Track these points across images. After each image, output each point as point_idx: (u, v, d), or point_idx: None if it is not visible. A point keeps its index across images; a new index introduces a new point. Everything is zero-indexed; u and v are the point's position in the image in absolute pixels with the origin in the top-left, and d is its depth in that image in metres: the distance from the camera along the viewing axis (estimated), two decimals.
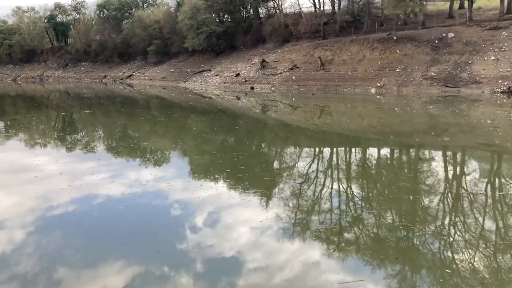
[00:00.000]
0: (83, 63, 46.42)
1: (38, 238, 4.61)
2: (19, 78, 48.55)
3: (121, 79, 39.69)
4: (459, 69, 19.92)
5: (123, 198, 5.99)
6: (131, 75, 39.65)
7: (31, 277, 3.80)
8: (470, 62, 19.87)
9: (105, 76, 41.89)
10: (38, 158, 8.50)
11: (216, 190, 6.18)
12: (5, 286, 3.67)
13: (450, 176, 7.23)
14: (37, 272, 3.89)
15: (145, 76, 37.95)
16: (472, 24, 22.22)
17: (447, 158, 8.65)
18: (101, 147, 10.48)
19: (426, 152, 9.06)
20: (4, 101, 19.10)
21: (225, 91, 25.69)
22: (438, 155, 8.86)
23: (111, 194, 6.18)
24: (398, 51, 22.66)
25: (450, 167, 7.85)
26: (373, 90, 21.62)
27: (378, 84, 21.84)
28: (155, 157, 9.31)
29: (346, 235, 4.82)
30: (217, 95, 24.15)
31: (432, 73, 20.62)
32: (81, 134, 12.67)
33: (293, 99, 21.31)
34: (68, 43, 49.22)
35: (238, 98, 22.46)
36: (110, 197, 6.07)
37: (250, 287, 3.69)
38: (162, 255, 4.22)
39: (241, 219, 5.03)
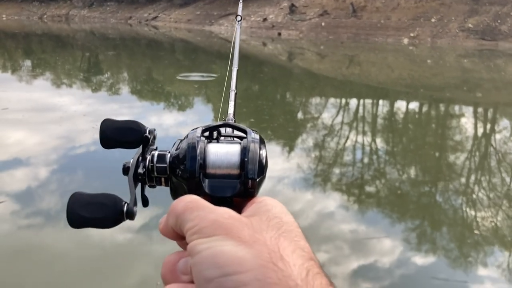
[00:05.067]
0: (108, 3, 45.93)
1: (61, 177, 4.72)
2: (45, 16, 48.58)
3: (146, 20, 39.29)
4: (499, 21, 18.84)
5: None
6: (156, 16, 39.14)
7: (54, 213, 3.91)
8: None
9: (130, 17, 41.49)
10: (63, 99, 8.60)
11: None
12: (30, 220, 3.79)
13: (479, 133, 7.01)
14: (59, 209, 3.99)
15: (170, 18, 37.42)
16: None
17: (477, 115, 8.36)
18: (125, 90, 10.52)
19: (456, 107, 8.78)
20: (31, 40, 19.24)
21: (251, 36, 25.18)
22: (468, 111, 8.57)
23: None
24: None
25: (480, 124, 7.61)
26: (405, 41, 20.80)
27: (412, 35, 20.94)
28: (178, 102, 9.30)
29: (367, 188, 4.78)
30: (243, 40, 23.70)
31: (470, 25, 19.57)
32: (106, 75, 12.72)
33: (321, 47, 20.74)
34: None
35: (264, 45, 22.01)
36: None
37: None
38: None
39: None
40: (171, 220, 0.46)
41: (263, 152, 0.56)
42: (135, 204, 0.56)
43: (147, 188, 0.61)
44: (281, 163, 5.19)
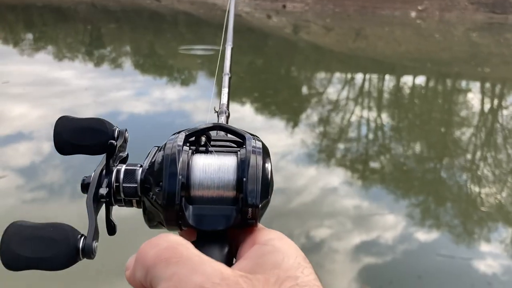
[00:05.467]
0: None
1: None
2: None
3: None
4: None
5: (146, 116, 6.00)
6: None
7: (57, 188, 3.91)
8: None
9: None
10: (65, 72, 8.54)
11: (242, 113, 6.09)
12: (34, 194, 3.80)
13: (486, 109, 6.91)
14: (63, 183, 3.99)
15: None
16: None
17: (485, 90, 8.24)
18: (127, 64, 10.43)
19: (464, 82, 8.65)
20: (31, 12, 19.00)
21: (255, 9, 24.75)
22: (476, 86, 8.44)
23: (135, 112, 6.20)
24: None
25: (487, 100, 7.51)
26: (413, 14, 20.38)
27: (419, 8, 20.51)
28: (181, 76, 9.22)
29: (371, 164, 4.75)
30: (247, 12, 23.31)
31: None
32: (108, 49, 12.59)
33: (327, 20, 20.39)
34: None
35: (269, 17, 21.63)
36: (134, 115, 6.09)
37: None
38: None
39: (265, 143, 4.97)
40: (139, 272, 0.34)
41: (267, 167, 0.44)
42: (95, 237, 0.44)
43: (116, 208, 0.49)
44: (285, 138, 5.14)
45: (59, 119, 0.53)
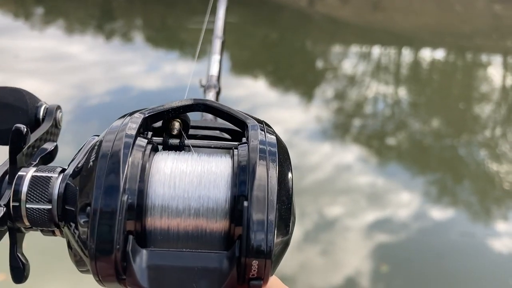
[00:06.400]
0: None
1: (75, 127, 4.69)
2: None
3: None
4: None
5: (158, 92, 5.96)
6: None
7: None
8: None
9: None
10: (75, 47, 8.50)
11: (255, 88, 5.98)
12: None
13: (507, 84, 6.70)
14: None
15: None
16: None
17: (507, 65, 7.98)
18: (138, 38, 10.35)
19: (484, 56, 8.39)
20: None
21: None
22: (497, 60, 8.18)
23: (146, 87, 6.15)
24: None
25: (508, 75, 7.28)
26: None
27: None
28: (193, 51, 9.09)
29: (387, 140, 4.65)
30: None
31: None
32: (118, 23, 12.48)
33: None
34: None
35: None
36: (145, 90, 6.05)
37: None
38: None
39: (278, 119, 4.89)
40: None
41: (287, 179, 0.29)
42: None
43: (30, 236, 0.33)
44: (299, 114, 5.04)
45: None
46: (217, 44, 0.60)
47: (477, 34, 10.48)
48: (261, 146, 0.27)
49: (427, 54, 8.70)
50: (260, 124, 0.31)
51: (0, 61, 7.14)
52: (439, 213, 3.39)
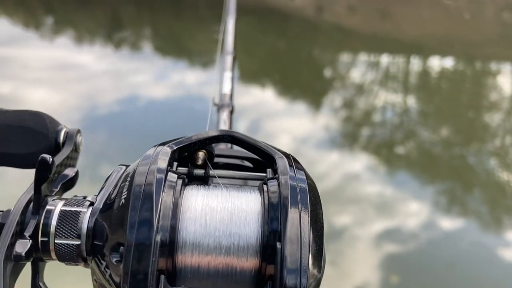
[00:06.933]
0: None
1: (83, 136, 4.70)
2: None
3: None
4: None
5: (166, 101, 5.98)
6: None
7: None
8: None
9: None
10: (84, 56, 8.59)
11: (262, 97, 5.99)
12: None
13: None
14: (82, 168, 3.96)
15: None
16: None
17: None
18: (146, 47, 10.43)
19: (494, 65, 8.34)
20: None
21: None
22: (506, 69, 8.13)
23: (154, 97, 6.18)
24: None
25: None
26: None
27: None
28: (201, 60, 9.14)
29: (396, 149, 4.62)
30: None
31: None
32: (127, 33, 12.60)
33: (351, 1, 19.95)
34: None
35: None
36: (153, 100, 6.08)
37: None
38: None
39: (286, 127, 4.88)
40: None
41: (319, 219, 0.28)
42: None
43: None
44: (307, 122, 5.03)
45: None
46: (228, 60, 0.57)
47: (486, 43, 10.43)
48: (292, 183, 0.26)
49: (435, 63, 8.68)
50: (288, 159, 0.29)
51: (10, 71, 7.22)
52: (449, 223, 3.35)
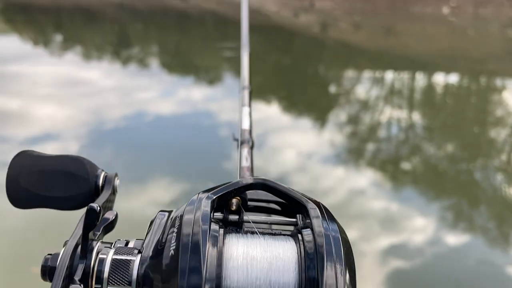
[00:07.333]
0: None
1: (91, 151, 4.75)
2: None
3: None
4: None
5: (172, 117, 6.03)
6: None
7: None
8: None
9: None
10: (92, 73, 8.70)
11: (268, 113, 6.03)
12: None
13: None
14: None
15: None
16: None
17: None
18: (153, 64, 10.55)
19: (499, 80, 8.34)
20: (61, 14, 19.53)
21: (282, 7, 24.65)
22: (511, 85, 8.12)
23: (161, 112, 6.23)
24: None
25: None
26: (445, 10, 19.87)
27: (452, 4, 19.97)
28: (207, 76, 9.23)
29: (402, 165, 4.61)
30: (274, 12, 23.25)
31: None
32: (135, 49, 12.76)
33: (356, 18, 20.10)
34: None
35: (296, 16, 21.51)
36: (160, 116, 6.12)
37: None
38: (207, 174, 4.24)
39: (291, 143, 4.90)
40: None
41: (352, 264, 0.30)
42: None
43: None
44: (312, 138, 5.05)
45: (17, 155, 0.38)
46: (245, 95, 0.58)
47: (491, 59, 10.45)
48: (325, 233, 0.29)
49: (440, 78, 8.70)
50: (319, 208, 0.31)
51: (20, 87, 7.32)
52: (456, 239, 3.33)
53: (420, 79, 8.78)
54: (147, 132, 5.54)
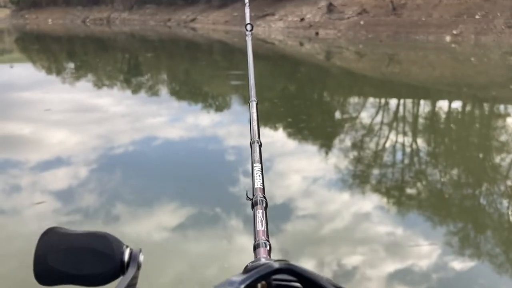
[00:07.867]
0: (147, 5, 46.89)
1: (99, 176, 4.82)
2: (87, 20, 50.11)
3: (185, 22, 39.85)
4: None
5: (181, 142, 6.10)
6: (194, 18, 39.64)
7: (92, 211, 3.98)
8: None
9: (169, 19, 42.16)
10: (103, 100, 8.84)
11: (275, 138, 6.11)
12: (70, 217, 3.88)
13: None
14: (98, 207, 4.07)
15: (208, 19, 37.82)
16: None
17: None
18: (163, 91, 10.70)
19: (502, 107, 8.38)
20: (74, 43, 19.90)
21: (288, 36, 25.06)
22: None
23: (170, 138, 6.31)
24: None
25: None
26: (447, 38, 20.11)
27: (454, 32, 20.23)
28: (215, 103, 9.36)
29: (407, 190, 4.62)
30: (280, 40, 23.63)
31: None
32: (145, 77, 12.98)
33: (360, 46, 20.37)
34: None
35: (302, 44, 21.84)
36: (168, 141, 6.20)
37: (296, 234, 3.64)
38: (215, 198, 4.27)
39: (297, 167, 4.95)
40: None
41: None
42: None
43: None
44: (318, 163, 5.10)
45: (45, 233, 0.39)
46: (256, 151, 0.60)
47: (493, 85, 10.53)
48: None
49: (444, 105, 8.76)
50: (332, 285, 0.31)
51: (34, 113, 7.47)
52: (462, 265, 3.31)
53: (424, 105, 8.85)
54: (156, 157, 5.59)
